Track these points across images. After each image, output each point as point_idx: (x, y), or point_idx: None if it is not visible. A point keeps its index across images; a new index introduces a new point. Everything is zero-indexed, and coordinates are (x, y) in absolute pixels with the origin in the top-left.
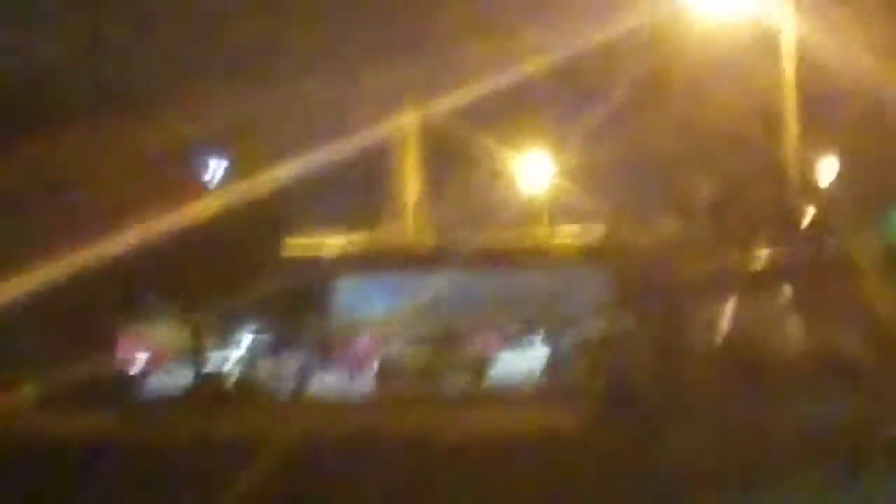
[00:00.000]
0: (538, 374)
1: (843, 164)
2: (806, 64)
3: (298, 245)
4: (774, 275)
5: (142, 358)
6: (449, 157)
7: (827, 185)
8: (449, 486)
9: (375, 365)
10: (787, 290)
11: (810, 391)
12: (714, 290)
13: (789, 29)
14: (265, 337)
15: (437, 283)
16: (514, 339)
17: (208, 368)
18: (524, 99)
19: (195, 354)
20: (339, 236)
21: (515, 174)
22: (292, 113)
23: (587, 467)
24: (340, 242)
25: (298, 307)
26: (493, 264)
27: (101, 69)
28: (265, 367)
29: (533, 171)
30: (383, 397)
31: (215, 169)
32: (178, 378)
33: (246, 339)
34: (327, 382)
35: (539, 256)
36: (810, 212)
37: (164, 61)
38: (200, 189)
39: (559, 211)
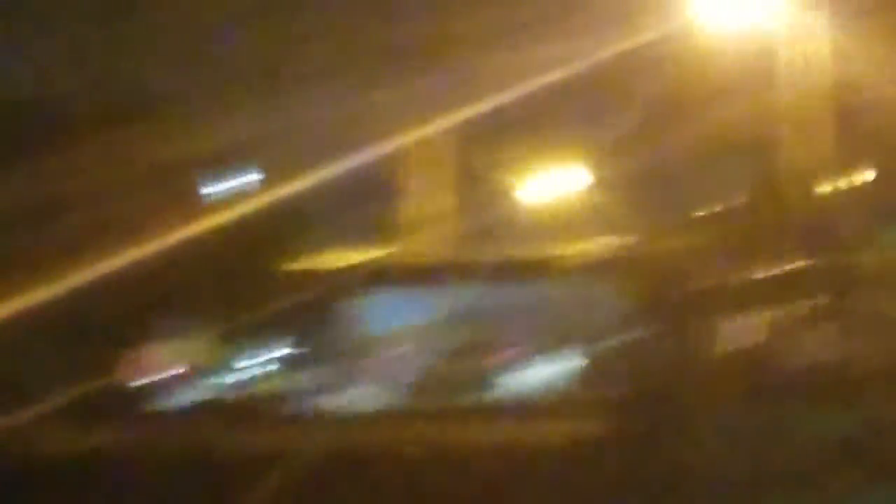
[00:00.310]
0: (560, 386)
1: (871, 174)
2: (832, 73)
3: (319, 259)
4: (798, 285)
5: (160, 373)
6: (470, 169)
7: (853, 194)
8: (469, 497)
9: (398, 379)
10: (811, 300)
11: (830, 402)
12: (735, 302)
13: (817, 38)
14: (286, 352)
15: (458, 297)
16: (536, 351)
17: (229, 383)
18: (546, 110)
19: (216, 369)
20: (361, 250)
21: (536, 186)
22: (312, 124)
23: (607, 477)
24: (362, 256)
25: (319, 321)
26: (515, 277)
27: (110, 79)
28: (286, 382)
29: (554, 183)
30: (405, 411)
31: (235, 181)
32: (197, 393)
33: (266, 353)
34: (349, 397)
35: (560, 269)
36: (835, 223)
37: (175, 71)
38: (219, 201)
39: (581, 223)
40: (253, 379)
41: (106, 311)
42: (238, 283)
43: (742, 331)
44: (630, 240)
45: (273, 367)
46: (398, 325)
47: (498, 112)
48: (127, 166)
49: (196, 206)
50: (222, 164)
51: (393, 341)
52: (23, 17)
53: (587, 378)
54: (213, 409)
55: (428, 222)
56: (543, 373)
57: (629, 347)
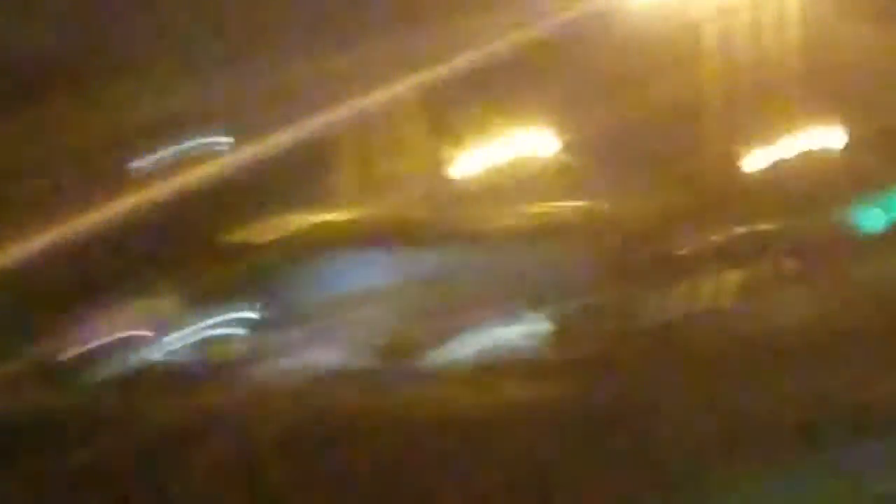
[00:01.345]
0: (525, 349)
1: (848, 136)
2: (810, 32)
3: (282, 221)
4: (768, 248)
5: (120, 335)
6: (434, 132)
7: (830, 156)
8: (444, 458)
9: (361, 341)
10: (788, 263)
11: (812, 366)
12: (711, 264)
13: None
14: (249, 314)
15: (432, 259)
16: (509, 313)
17: (190, 346)
18: (520, 71)
19: (178, 330)
20: (325, 212)
21: (500, 150)
22: (276, 87)
23: (573, 441)
24: (325, 218)
25: (291, 280)
26: (489, 239)
27: (94, 35)
28: (249, 345)
29: (523, 144)
30: (376, 373)
31: (198, 143)
32: (161, 353)
33: (229, 316)
34: (312, 359)
35: (534, 231)
36: (804, 184)
37: (155, 31)
38: (182, 164)
39: (555, 185)
40: (215, 341)
41: (66, 274)
42: (200, 245)
43: (705, 294)
44: (594, 204)
45: (235, 329)
46: (362, 286)
47: (462, 76)
48: (88, 129)
49: (157, 170)
50: (185, 126)
51: (357, 303)
52: None
53: (552, 340)
54: (172, 372)
55: (393, 185)
56: (508, 334)
57: (594, 310)
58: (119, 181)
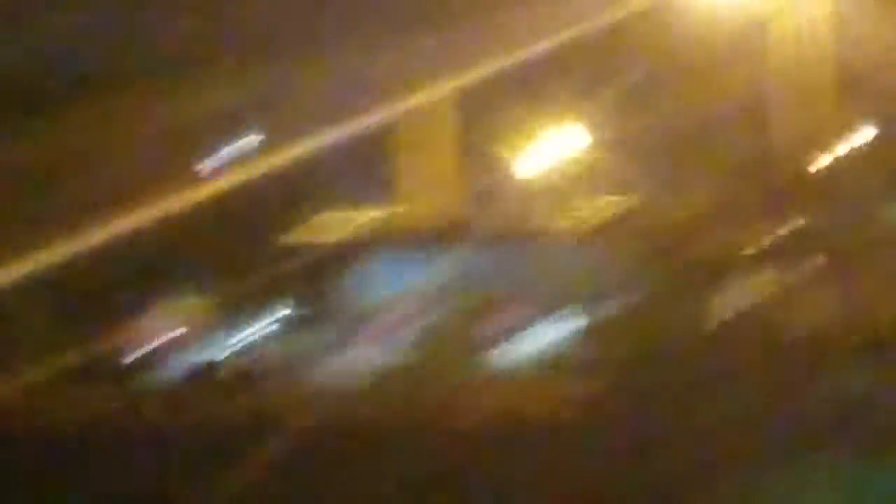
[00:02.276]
0: (561, 348)
1: (876, 134)
2: (834, 36)
3: (321, 222)
4: (797, 248)
5: (161, 337)
6: (473, 131)
7: (857, 155)
8: (476, 457)
9: (398, 343)
10: (817, 262)
11: (838, 366)
12: (736, 264)
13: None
14: (287, 316)
15: (460, 260)
16: (538, 314)
17: (230, 347)
18: (553, 70)
19: (217, 333)
20: (362, 213)
21: (539, 149)
22: (317, 87)
23: (609, 438)
24: (363, 219)
25: (321, 286)
26: (517, 239)
27: (117, 43)
28: (287, 347)
29: (556, 145)
30: (409, 373)
31: (237, 146)
32: (197, 359)
33: (267, 318)
34: (351, 360)
35: (566, 230)
36: (840, 183)
37: (183, 35)
38: (223, 165)
39: (582, 186)
40: (255, 343)
41: (108, 276)
42: (240, 247)
43: (743, 293)
44: (631, 204)
45: (275, 330)
46: (400, 288)
47: (499, 77)
48: (130, 131)
49: (199, 171)
50: (225, 129)
51: (395, 304)
52: None
53: (589, 340)
54: (216, 374)
55: (430, 186)
56: (545, 334)
57: (630, 310)
58: (168, 182)
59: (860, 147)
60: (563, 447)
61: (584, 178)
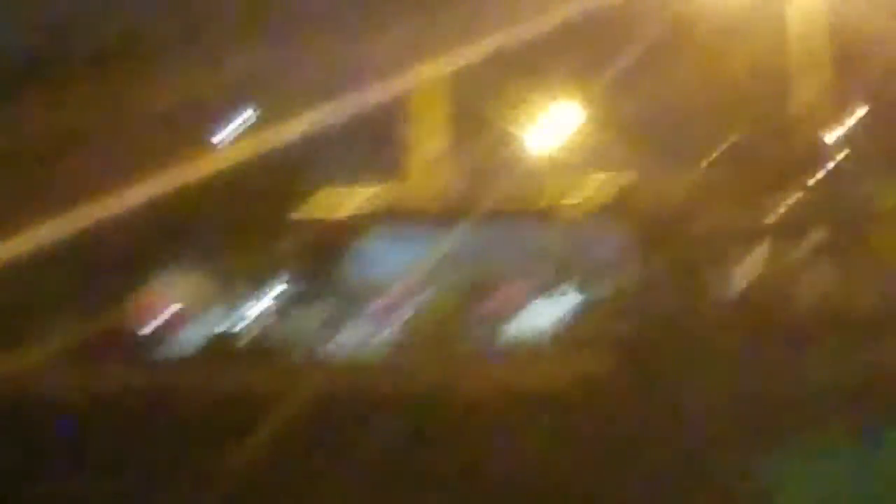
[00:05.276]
0: (562, 326)
1: (869, 115)
2: (833, 14)
3: (322, 199)
4: (798, 226)
5: (163, 312)
6: (473, 108)
7: (851, 135)
8: (472, 435)
9: (400, 319)
10: (810, 241)
11: (831, 345)
12: (736, 241)
13: None
14: (289, 291)
15: (461, 237)
16: (539, 291)
17: (231, 323)
18: (548, 50)
19: (217, 309)
20: (363, 189)
21: (539, 126)
22: (315, 65)
23: (606, 417)
24: (364, 196)
25: (322, 261)
26: (517, 217)
27: (118, 19)
28: (289, 322)
29: (556, 122)
30: (407, 351)
31: (237, 121)
32: (200, 333)
33: (269, 293)
34: (351, 336)
35: (562, 209)
36: (834, 163)
37: (182, 12)
38: (222, 141)
39: (583, 163)
40: (258, 319)
41: (113, 252)
42: (242, 224)
43: (742, 272)
44: (631, 182)
45: (277, 307)
46: (400, 265)
47: (498, 54)
48: (132, 108)
49: (200, 149)
50: (227, 107)
51: (395, 281)
52: None
53: (589, 318)
54: (218, 349)
55: (430, 164)
56: (545, 312)
57: (630, 288)
58: (170, 158)
59: (861, 126)
60: (563, 424)
61: (586, 156)
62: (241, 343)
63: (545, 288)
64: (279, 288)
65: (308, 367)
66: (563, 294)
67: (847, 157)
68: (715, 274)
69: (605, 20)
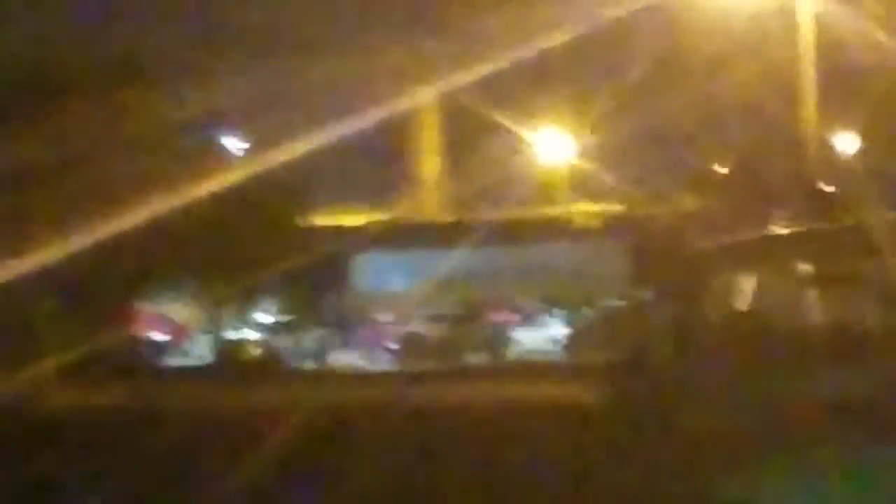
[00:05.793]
0: (558, 349)
1: (863, 139)
2: (825, 39)
3: (318, 221)
4: (793, 248)
5: (160, 333)
6: (468, 132)
7: (846, 159)
8: (466, 460)
9: (395, 341)
10: (805, 263)
11: (828, 365)
12: (732, 264)
13: (808, 3)
14: (285, 313)
15: (456, 259)
16: (534, 314)
17: (227, 344)
18: (543, 74)
19: (214, 330)
20: (359, 212)
21: (534, 149)
22: (311, 87)
23: (604, 441)
24: (360, 218)
25: (318, 283)
26: (513, 240)
27: (116, 42)
28: (285, 343)
29: (552, 146)
30: (403, 373)
31: (234, 143)
32: (197, 354)
33: (265, 315)
34: (347, 358)
35: (558, 231)
36: (829, 186)
37: (181, 34)
38: (219, 164)
39: (578, 186)
40: (252, 338)
41: (107, 271)
42: (237, 245)
43: (735, 293)
44: (626, 202)
45: (272, 327)
46: (395, 286)
47: (496, 76)
48: (129, 128)
49: (195, 170)
50: (222, 127)
51: (390, 303)
52: None
53: (585, 339)
54: (212, 368)
55: (426, 185)
56: (541, 333)
57: (627, 309)
58: (166, 182)
59: (853, 151)
60: (559, 444)
61: (583, 178)
62: (239, 361)
63: (542, 310)
64: (276, 309)
65: (304, 388)
66: (560, 316)
67: (845, 179)
68: (712, 296)
69: (602, 46)
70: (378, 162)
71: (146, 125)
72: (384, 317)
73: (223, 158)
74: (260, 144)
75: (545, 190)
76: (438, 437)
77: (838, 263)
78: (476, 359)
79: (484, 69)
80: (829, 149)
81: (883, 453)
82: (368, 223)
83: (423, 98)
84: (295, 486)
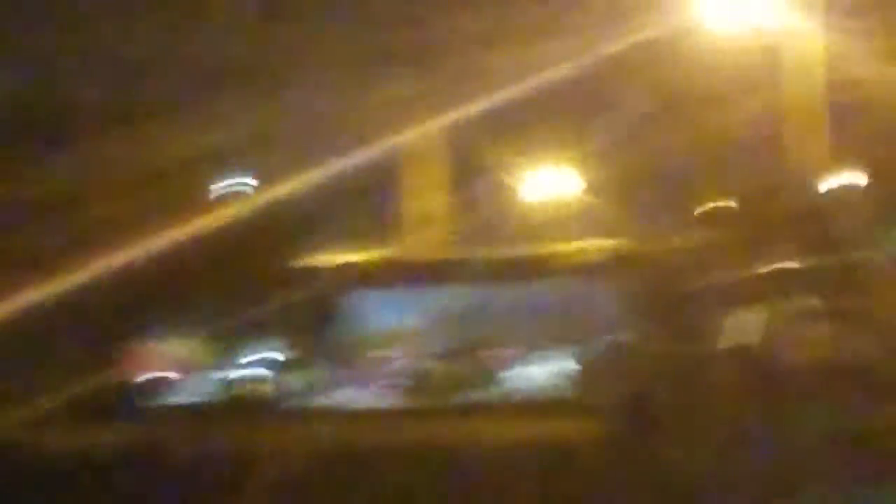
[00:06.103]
0: (556, 387)
1: (867, 175)
2: (832, 74)
3: (315, 259)
4: (794, 284)
5: (156, 372)
6: (466, 169)
7: (849, 195)
8: (464, 494)
9: (393, 379)
10: (807, 299)
11: (830, 400)
12: (737, 300)
13: (813, 39)
14: (285, 350)
15: (454, 297)
16: (532, 351)
17: (224, 382)
18: (541, 111)
19: (211, 369)
20: (356, 250)
21: (533, 187)
22: (308, 125)
23: (602, 479)
24: (357, 257)
25: (315, 321)
26: (511, 277)
27: (112, 79)
28: (285, 380)
29: (550, 183)
30: (401, 411)
31: (230, 181)
32: (194, 392)
33: (263, 353)
34: (344, 396)
35: (557, 269)
36: (831, 222)
37: (175, 72)
38: (216, 201)
39: (577, 223)
40: (250, 377)
41: (103, 310)
42: (235, 282)
43: (738, 330)
44: (627, 240)
45: (270, 365)
46: (394, 324)
47: (493, 112)
48: (126, 168)
49: (193, 207)
50: (219, 165)
51: (389, 341)
52: (25, 21)
53: (584, 377)
54: (210, 407)
55: (425, 222)
56: (540, 372)
57: (626, 347)
58: (157, 218)
59: (857, 184)
60: (552, 481)
61: (581, 215)
62: (240, 398)
63: (541, 347)
64: (274, 347)
65: (302, 426)
66: (558, 354)
67: (848, 216)
68: (716, 332)
69: (602, 82)
70: (376, 200)
71: (143, 163)
72: (386, 354)
73: (222, 196)
74: (259, 182)
75: (546, 227)
76: (434, 475)
77: (844, 299)
78: (477, 395)
79: (483, 105)
80: (835, 184)
81: (885, 489)
82: (368, 261)
83: (422, 135)
84: None
